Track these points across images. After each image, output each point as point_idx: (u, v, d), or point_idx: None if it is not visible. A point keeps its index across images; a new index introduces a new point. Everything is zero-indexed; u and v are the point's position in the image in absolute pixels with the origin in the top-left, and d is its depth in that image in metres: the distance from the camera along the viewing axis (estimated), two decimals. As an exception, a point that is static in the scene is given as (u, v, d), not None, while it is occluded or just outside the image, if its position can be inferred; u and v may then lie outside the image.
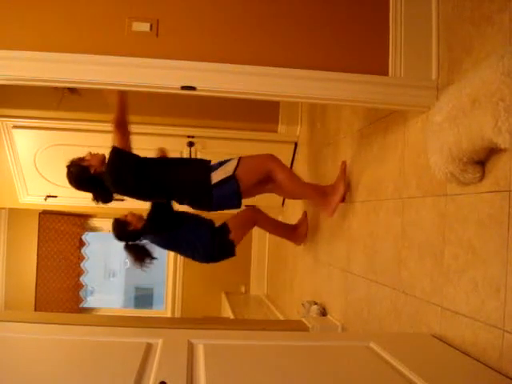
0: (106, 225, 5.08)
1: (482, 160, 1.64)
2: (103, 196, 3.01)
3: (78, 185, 2.95)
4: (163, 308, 5.77)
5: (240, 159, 2.91)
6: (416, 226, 2.12)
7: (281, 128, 4.54)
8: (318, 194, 3.05)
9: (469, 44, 1.82)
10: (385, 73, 2.07)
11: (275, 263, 4.95)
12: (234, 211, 3.30)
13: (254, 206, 3.79)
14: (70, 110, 4.21)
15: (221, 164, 2.92)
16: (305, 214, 3.84)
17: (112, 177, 2.83)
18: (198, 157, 4.41)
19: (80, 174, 2.89)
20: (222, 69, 1.97)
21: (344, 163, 3.00)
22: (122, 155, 2.78)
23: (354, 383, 1.41)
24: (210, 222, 3.45)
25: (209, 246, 3.34)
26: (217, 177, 2.84)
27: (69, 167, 2.94)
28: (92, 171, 2.87)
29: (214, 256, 3.40)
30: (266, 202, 3.79)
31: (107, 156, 2.83)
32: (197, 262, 3.53)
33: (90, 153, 2.91)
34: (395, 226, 2.31)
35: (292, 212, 4.27)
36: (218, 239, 3.35)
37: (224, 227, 3.39)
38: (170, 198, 3.14)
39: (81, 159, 2.91)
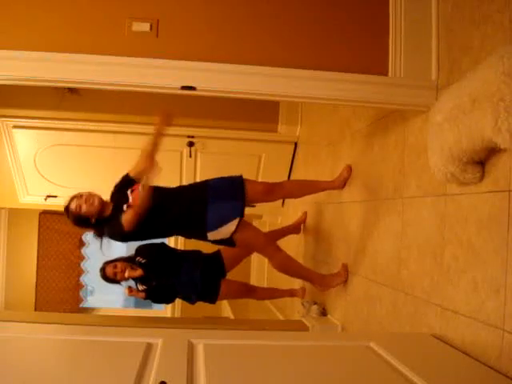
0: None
1: (482, 160, 1.64)
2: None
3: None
4: (163, 308, 5.75)
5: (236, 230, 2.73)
6: (416, 225, 2.12)
7: (281, 128, 4.53)
8: (315, 276, 3.04)
9: (469, 44, 1.82)
10: (385, 73, 2.07)
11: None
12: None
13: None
14: (70, 110, 4.21)
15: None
16: (305, 214, 3.84)
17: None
18: (198, 157, 4.42)
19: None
20: (222, 69, 1.97)
21: (349, 167, 2.95)
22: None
23: (354, 383, 1.41)
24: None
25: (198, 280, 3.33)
26: (214, 236, 2.75)
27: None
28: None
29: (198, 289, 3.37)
30: (265, 205, 3.75)
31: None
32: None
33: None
34: (395, 226, 2.31)
35: (292, 212, 4.27)
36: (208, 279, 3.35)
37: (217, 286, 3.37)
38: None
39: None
